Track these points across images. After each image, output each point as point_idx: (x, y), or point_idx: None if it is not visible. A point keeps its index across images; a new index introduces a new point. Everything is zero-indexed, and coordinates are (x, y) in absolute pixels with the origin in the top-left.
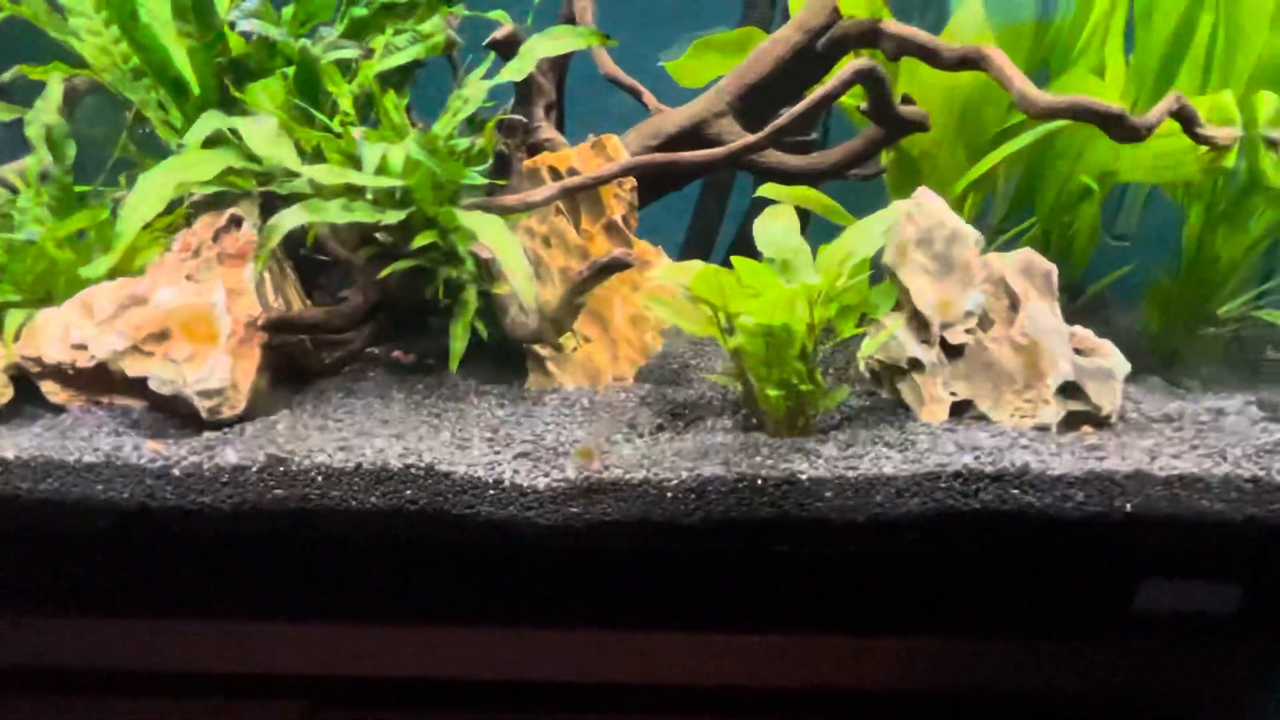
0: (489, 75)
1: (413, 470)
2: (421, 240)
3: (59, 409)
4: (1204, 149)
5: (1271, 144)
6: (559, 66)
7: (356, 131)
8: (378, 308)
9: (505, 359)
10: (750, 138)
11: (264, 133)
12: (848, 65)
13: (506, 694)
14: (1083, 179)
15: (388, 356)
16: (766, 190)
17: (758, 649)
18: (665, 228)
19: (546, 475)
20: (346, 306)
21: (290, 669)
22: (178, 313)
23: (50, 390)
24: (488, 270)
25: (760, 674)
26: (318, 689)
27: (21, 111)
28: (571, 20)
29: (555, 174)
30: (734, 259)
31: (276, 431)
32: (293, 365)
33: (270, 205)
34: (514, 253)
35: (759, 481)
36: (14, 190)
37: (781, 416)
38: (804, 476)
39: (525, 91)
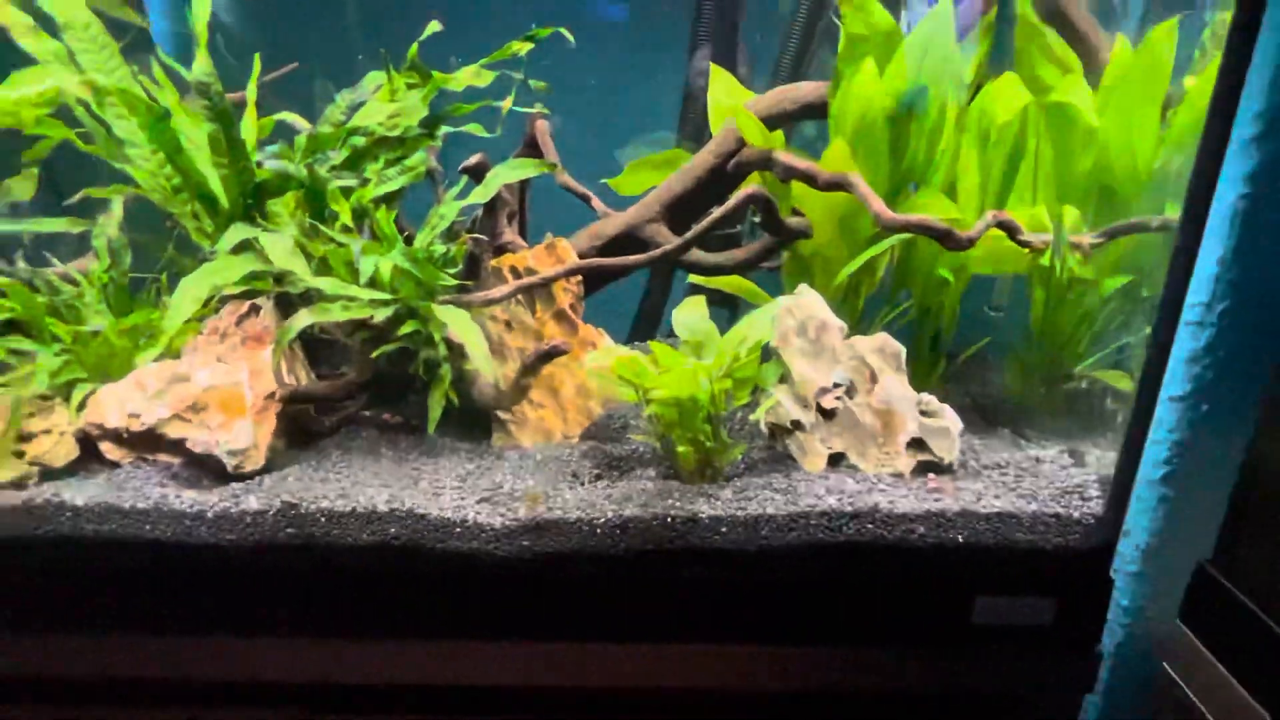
0: (462, 194)
1: (396, 513)
2: (406, 329)
3: (115, 465)
4: (1026, 249)
5: (1075, 246)
6: (521, 183)
7: (355, 245)
8: (370, 381)
9: (473, 421)
10: (670, 245)
11: (282, 247)
12: (742, 191)
13: (475, 699)
14: (941, 271)
15: (377, 419)
16: (695, 278)
17: (676, 657)
18: (620, 302)
19: (503, 516)
20: (344, 380)
21: (291, 678)
22: (212, 390)
23: (107, 450)
24: (460, 350)
25: (678, 678)
26: (314, 697)
27: (90, 224)
28: (533, 139)
29: (515, 272)
30: (652, 344)
31: (288, 483)
32: (300, 428)
33: (283, 297)
34: (476, 339)
35: (669, 519)
36: (75, 283)
37: (693, 468)
38: (704, 515)
39: (492, 204)
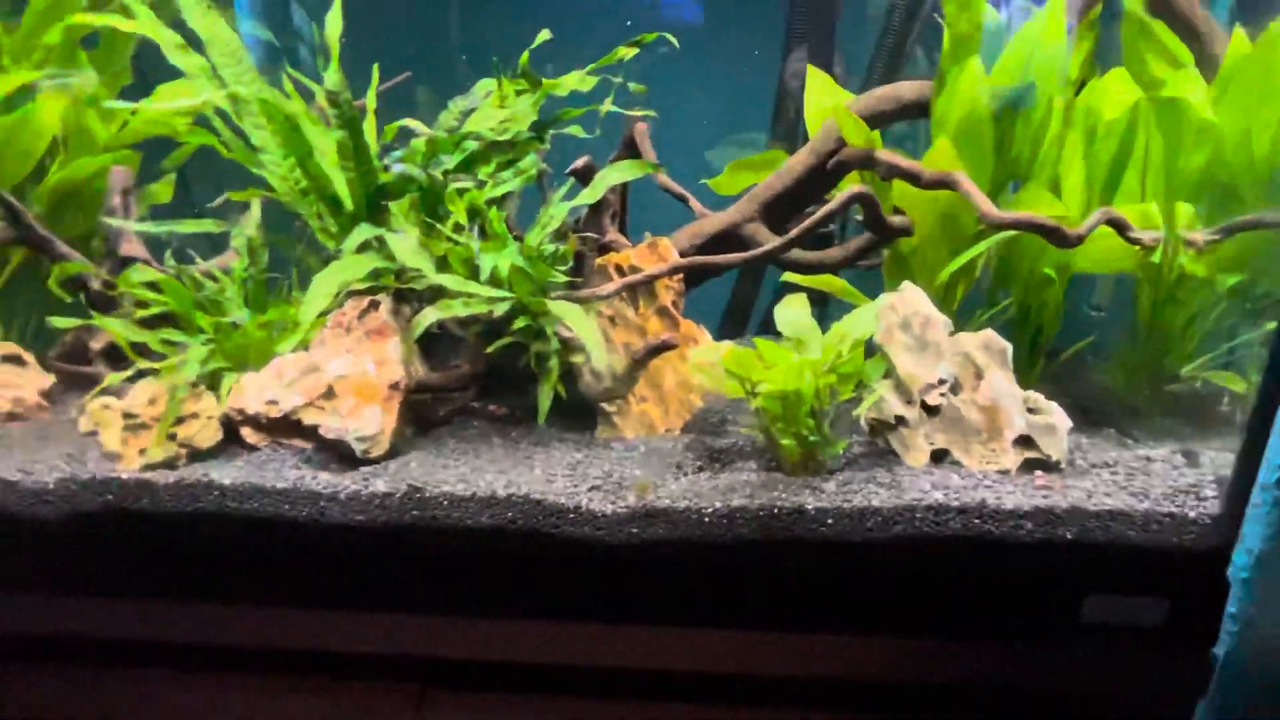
0: (568, 196)
1: (514, 498)
2: (519, 324)
3: (253, 448)
4: (1136, 247)
5: (1189, 243)
6: (623, 185)
7: (475, 244)
8: (483, 373)
9: (579, 413)
10: (771, 244)
11: (408, 246)
12: (846, 190)
13: (584, 677)
14: (1045, 269)
15: (485, 410)
16: (790, 276)
17: (782, 644)
18: (711, 298)
19: (613, 503)
20: (460, 372)
21: (411, 652)
22: (343, 380)
23: (247, 434)
24: (567, 345)
25: (781, 666)
26: (430, 670)
27: (230, 225)
28: (632, 141)
29: (620, 270)
30: (756, 340)
31: (411, 469)
32: (417, 416)
33: (400, 293)
34: (591, 332)
35: (775, 510)
36: (215, 279)
37: (796, 460)
38: (810, 507)
39: (596, 205)
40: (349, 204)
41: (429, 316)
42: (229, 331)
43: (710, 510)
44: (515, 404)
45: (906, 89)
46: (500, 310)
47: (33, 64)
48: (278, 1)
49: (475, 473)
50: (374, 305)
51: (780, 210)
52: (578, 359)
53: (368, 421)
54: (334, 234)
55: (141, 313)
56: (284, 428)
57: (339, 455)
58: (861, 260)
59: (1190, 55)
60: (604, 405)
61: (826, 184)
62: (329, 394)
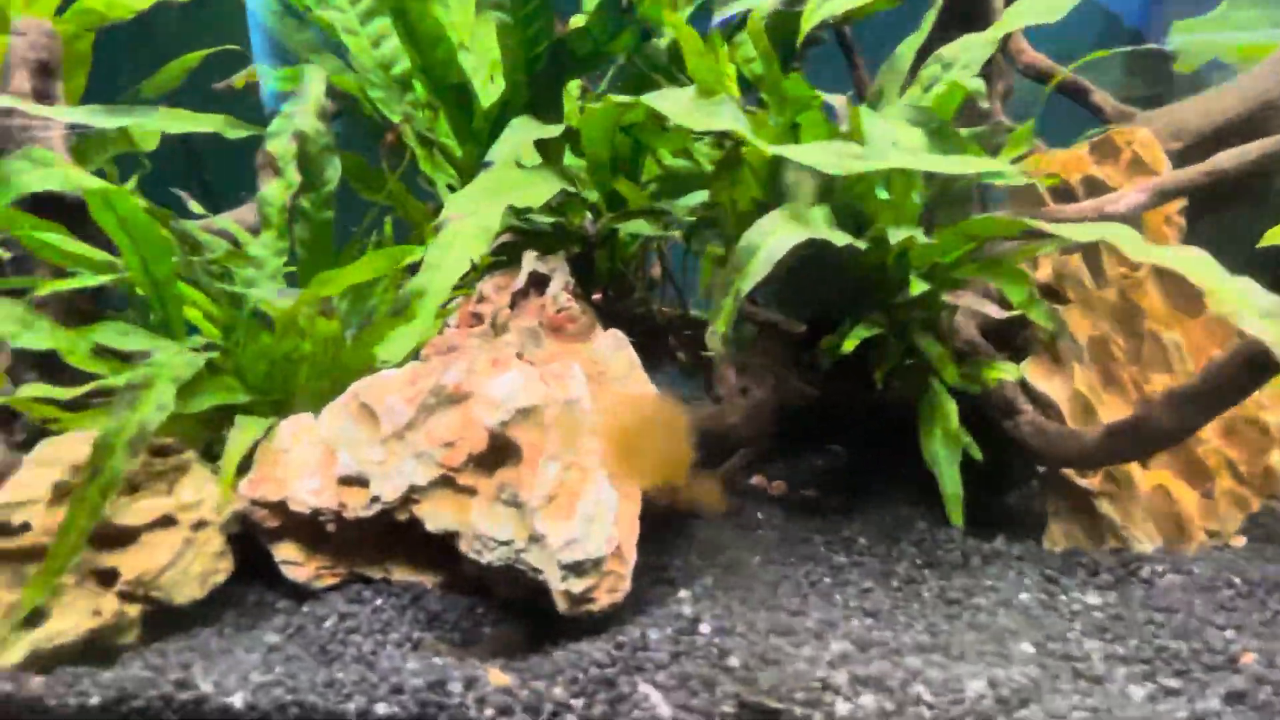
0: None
1: None
2: (915, 289)
3: (302, 590)
4: None
5: None
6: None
7: (837, 99)
8: (800, 408)
9: (978, 482)
10: None
11: (682, 104)
12: None
13: None
14: None
15: (757, 488)
16: None
17: None
18: None
19: None
20: (752, 404)
21: None
22: (527, 418)
23: (288, 556)
24: (972, 349)
25: None
26: None
27: (254, 129)
28: None
29: (1086, 184)
30: None
31: (703, 639)
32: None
33: (578, 260)
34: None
35: None
36: (235, 243)
37: None
38: None
39: (984, 73)
40: (496, 88)
41: (777, 239)
42: (252, 330)
43: None
44: (792, 469)
45: None
46: (921, 239)
47: None
48: None
49: (877, 661)
50: (536, 284)
51: None
52: (1001, 374)
53: (590, 522)
54: (456, 158)
55: (48, 286)
56: (370, 541)
57: (504, 601)
58: None
59: None
60: (1073, 475)
61: None
62: (493, 455)
